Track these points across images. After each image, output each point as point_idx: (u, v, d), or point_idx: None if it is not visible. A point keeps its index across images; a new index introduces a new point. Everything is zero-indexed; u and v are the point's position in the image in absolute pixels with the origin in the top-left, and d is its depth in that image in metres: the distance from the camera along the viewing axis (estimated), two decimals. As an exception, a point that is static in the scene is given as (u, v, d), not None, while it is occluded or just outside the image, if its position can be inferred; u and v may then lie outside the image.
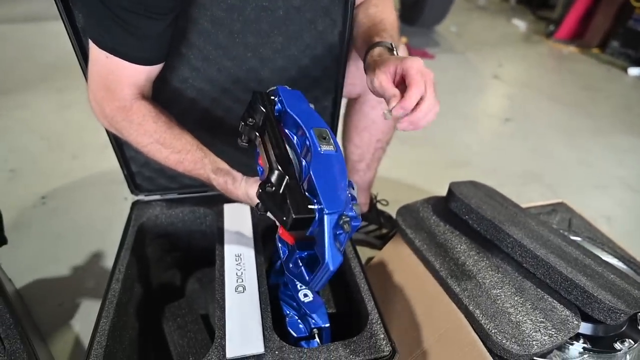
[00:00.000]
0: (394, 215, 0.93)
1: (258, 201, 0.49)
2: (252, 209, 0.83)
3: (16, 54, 2.25)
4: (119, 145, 0.78)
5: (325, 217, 0.42)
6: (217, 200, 0.85)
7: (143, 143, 0.61)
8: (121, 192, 1.21)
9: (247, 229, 0.78)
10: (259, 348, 0.56)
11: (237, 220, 0.81)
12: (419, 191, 1.37)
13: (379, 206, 1.14)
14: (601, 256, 0.75)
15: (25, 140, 1.49)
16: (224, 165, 0.62)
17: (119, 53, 0.54)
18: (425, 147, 1.61)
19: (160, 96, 0.66)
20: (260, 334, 0.58)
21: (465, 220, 0.76)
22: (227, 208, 0.82)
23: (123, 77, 0.57)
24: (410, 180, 1.41)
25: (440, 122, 1.88)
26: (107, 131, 0.74)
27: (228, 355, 0.55)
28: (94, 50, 0.55)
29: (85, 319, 0.90)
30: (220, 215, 0.81)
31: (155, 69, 0.60)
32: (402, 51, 0.74)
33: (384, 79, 0.51)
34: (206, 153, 0.62)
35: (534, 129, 1.88)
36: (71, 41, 0.62)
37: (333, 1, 0.67)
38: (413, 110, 0.48)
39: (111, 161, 0.80)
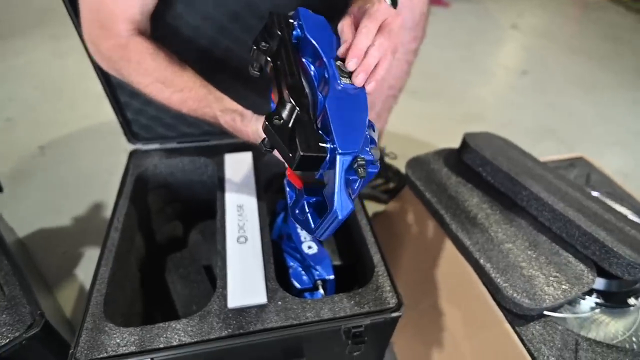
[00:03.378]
0: (402, 169, 0.89)
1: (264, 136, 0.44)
2: (254, 158, 0.79)
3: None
4: (113, 92, 0.74)
5: (338, 157, 0.38)
6: (218, 149, 0.81)
7: (144, 83, 0.56)
8: (121, 142, 1.17)
9: (250, 179, 0.75)
10: (261, 298, 0.55)
11: (239, 170, 0.77)
12: (429, 145, 1.32)
13: (387, 159, 1.10)
14: (620, 211, 0.71)
15: (21, 89, 1.44)
16: (230, 102, 0.57)
17: None
18: (437, 100, 1.54)
19: (153, 36, 0.60)
20: (263, 284, 0.57)
21: (479, 173, 0.72)
22: (228, 158, 0.79)
23: (116, 10, 0.52)
24: (421, 134, 1.35)
25: (453, 74, 1.79)
26: (100, 77, 0.70)
27: (229, 304, 0.54)
28: None
29: (89, 267, 0.90)
30: (221, 165, 0.77)
31: (149, 1, 0.55)
32: None
33: (346, 23, 0.45)
34: (210, 90, 0.57)
35: (552, 82, 1.78)
36: (70, 15, 0.56)
37: None
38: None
39: (108, 111, 0.76)
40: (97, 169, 1.13)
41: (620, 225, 0.61)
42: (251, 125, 0.52)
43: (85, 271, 0.89)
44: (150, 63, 0.55)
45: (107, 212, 1.01)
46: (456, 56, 1.94)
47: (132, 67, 0.55)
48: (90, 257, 0.92)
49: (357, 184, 0.39)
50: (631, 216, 0.71)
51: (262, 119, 0.51)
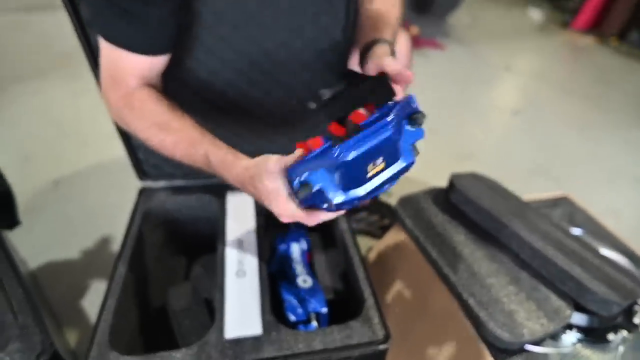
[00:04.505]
0: (396, 205, 0.94)
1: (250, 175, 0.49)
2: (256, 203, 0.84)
3: (32, 42, 2.29)
4: (125, 134, 0.80)
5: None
6: (222, 187, 0.87)
7: (141, 127, 0.58)
8: (130, 178, 1.24)
9: (250, 216, 0.80)
10: (256, 329, 0.59)
11: (240, 207, 0.83)
12: (422, 183, 1.37)
13: (382, 197, 1.15)
14: (601, 250, 0.75)
15: (40, 127, 1.53)
16: (224, 144, 0.57)
17: (120, 42, 0.54)
18: (431, 139, 1.59)
19: (173, 78, 0.66)
20: (259, 316, 0.61)
21: (464, 212, 0.77)
22: (231, 195, 0.84)
23: (126, 67, 0.57)
24: (414, 172, 1.39)
25: (447, 114, 1.88)
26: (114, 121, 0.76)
27: (226, 335, 0.57)
28: (100, 41, 0.56)
29: (93, 299, 0.94)
30: (223, 202, 0.83)
31: (158, 61, 0.59)
32: (400, 43, 0.74)
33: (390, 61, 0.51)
34: (205, 134, 0.57)
35: (544, 122, 1.86)
36: (76, 33, 0.63)
37: None
38: None
39: (120, 149, 0.82)
40: (106, 203, 1.19)
41: (597, 263, 0.65)
42: (242, 162, 0.52)
43: (89, 302, 0.93)
44: (151, 107, 0.58)
45: (114, 246, 1.06)
46: (451, 96, 2.04)
47: (134, 113, 0.58)
48: (95, 289, 0.96)
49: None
50: (611, 254, 0.75)
51: (253, 160, 0.51)
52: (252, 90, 0.76)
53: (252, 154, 0.54)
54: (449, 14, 3.25)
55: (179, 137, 0.56)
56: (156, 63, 0.59)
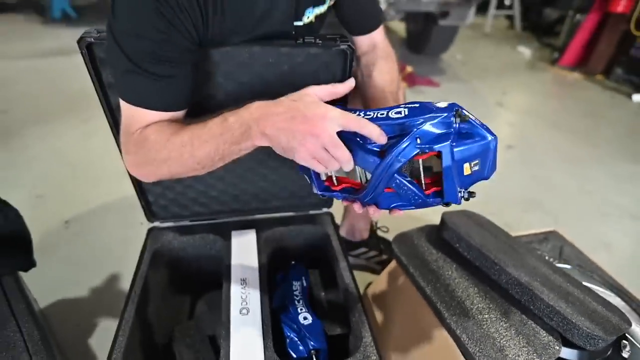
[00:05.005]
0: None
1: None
2: (257, 234, 0.89)
3: (45, 85, 2.42)
4: (136, 179, 0.86)
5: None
6: (226, 226, 0.92)
7: (159, 148, 0.58)
8: (137, 217, 1.29)
9: (253, 254, 0.85)
10: (259, 366, 0.61)
11: (244, 246, 0.87)
12: (418, 219, 1.41)
13: (380, 233, 1.19)
14: (589, 284, 0.78)
15: (52, 168, 1.60)
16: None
17: (144, 104, 0.59)
18: (427, 174, 1.67)
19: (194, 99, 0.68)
20: (262, 354, 0.64)
21: (456, 249, 0.81)
22: (235, 234, 0.89)
23: (142, 121, 0.61)
24: (412, 206, 1.46)
25: (442, 150, 1.93)
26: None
27: (231, 372, 0.60)
28: (121, 103, 0.60)
29: (100, 338, 0.96)
30: (228, 241, 0.87)
31: (180, 113, 0.63)
32: None
33: None
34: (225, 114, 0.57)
35: (536, 156, 1.92)
36: (92, 79, 0.68)
37: (333, 57, 0.74)
38: None
39: (127, 188, 0.88)
40: (114, 242, 1.23)
41: (583, 298, 0.68)
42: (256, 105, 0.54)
43: (96, 341, 0.95)
44: (165, 129, 0.59)
45: (122, 284, 1.10)
46: (446, 132, 2.11)
47: (149, 141, 0.59)
48: (103, 328, 0.98)
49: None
50: (598, 289, 0.78)
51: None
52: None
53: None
54: (442, 52, 3.42)
55: (193, 128, 0.58)
56: (178, 115, 0.63)
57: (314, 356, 0.70)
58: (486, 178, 0.57)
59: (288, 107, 0.53)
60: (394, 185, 0.54)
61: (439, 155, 0.52)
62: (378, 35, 0.84)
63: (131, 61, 0.55)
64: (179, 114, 0.63)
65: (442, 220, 0.85)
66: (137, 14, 0.54)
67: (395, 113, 0.54)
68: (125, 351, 0.65)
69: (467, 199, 0.57)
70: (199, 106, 0.74)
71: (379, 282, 0.93)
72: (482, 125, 0.54)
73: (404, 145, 0.51)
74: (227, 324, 0.68)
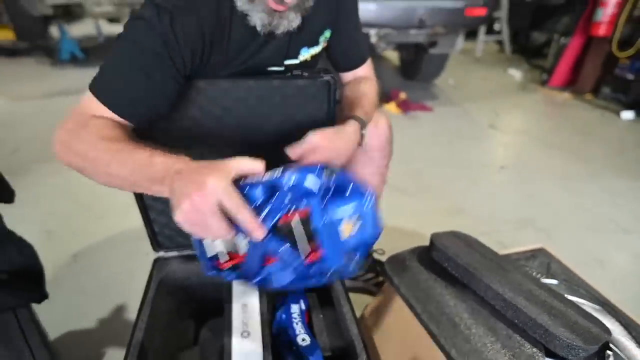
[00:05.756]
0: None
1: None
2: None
3: (54, 125, 2.51)
4: (145, 208, 0.92)
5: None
6: (227, 255, 0.96)
7: (85, 148, 0.60)
8: (142, 248, 1.34)
9: (253, 280, 0.89)
10: (260, 387, 0.65)
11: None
12: (414, 241, 1.45)
13: (376, 255, 1.24)
14: (574, 297, 0.82)
15: (60, 204, 1.67)
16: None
17: (103, 98, 0.63)
18: (421, 196, 1.72)
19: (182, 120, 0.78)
20: (261, 372, 0.67)
21: (445, 268, 0.85)
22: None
23: (95, 112, 0.64)
24: (407, 228, 1.51)
25: (437, 171, 2.01)
26: (137, 200, 0.88)
27: (233, 393, 0.64)
28: (87, 97, 0.63)
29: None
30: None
31: (127, 124, 0.65)
32: (373, 121, 0.89)
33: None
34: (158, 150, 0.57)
35: (528, 175, 1.98)
36: None
37: (318, 88, 0.82)
38: None
39: (132, 221, 0.94)
40: (120, 273, 1.28)
41: (565, 310, 0.72)
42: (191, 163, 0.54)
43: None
44: (106, 125, 0.62)
45: (128, 314, 1.13)
46: (441, 155, 2.19)
47: (85, 130, 0.61)
48: (110, 356, 1.02)
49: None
50: (583, 301, 0.82)
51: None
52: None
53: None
54: (434, 78, 3.55)
55: (124, 145, 0.58)
56: (130, 125, 0.66)
57: (312, 376, 0.73)
58: (371, 240, 0.57)
59: (194, 169, 0.52)
60: (272, 252, 0.53)
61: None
62: (360, 71, 0.93)
63: (118, 59, 0.64)
64: (131, 125, 0.66)
65: (431, 241, 0.89)
66: (146, 29, 0.62)
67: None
68: (133, 377, 0.69)
69: (367, 263, 0.57)
70: (189, 132, 0.81)
71: (375, 303, 0.96)
72: (355, 181, 0.55)
73: (271, 205, 0.50)
74: (229, 347, 0.72)
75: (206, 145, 0.84)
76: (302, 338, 0.79)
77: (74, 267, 1.32)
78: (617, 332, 0.77)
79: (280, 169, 0.54)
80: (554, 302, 0.74)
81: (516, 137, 2.48)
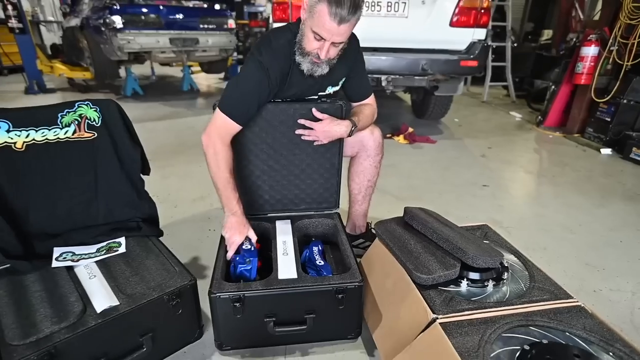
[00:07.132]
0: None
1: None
2: (292, 225, 1.46)
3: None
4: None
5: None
6: (273, 219, 1.49)
7: (214, 163, 1.27)
8: (207, 226, 1.88)
9: (289, 235, 1.40)
10: (294, 275, 1.15)
11: (283, 229, 1.43)
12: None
13: (374, 231, 1.72)
14: (498, 248, 1.29)
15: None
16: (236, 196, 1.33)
17: (236, 119, 1.25)
18: (414, 203, 2.19)
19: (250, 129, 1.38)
20: (295, 270, 1.18)
21: (412, 225, 1.34)
22: (278, 223, 1.46)
23: (230, 129, 1.26)
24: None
25: (431, 187, 2.54)
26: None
27: (279, 277, 1.14)
28: (218, 113, 1.25)
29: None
30: (274, 225, 1.45)
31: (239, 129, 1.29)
32: (370, 129, 1.45)
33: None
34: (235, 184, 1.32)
35: (505, 192, 2.43)
36: None
37: (336, 110, 1.38)
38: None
39: (199, 208, 1.47)
40: (192, 241, 1.81)
41: (479, 243, 1.19)
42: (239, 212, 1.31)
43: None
44: (226, 157, 1.28)
45: (202, 261, 1.65)
46: (437, 176, 2.68)
47: (218, 154, 1.26)
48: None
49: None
50: (496, 248, 1.28)
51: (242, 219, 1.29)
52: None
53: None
54: (441, 117, 4.10)
55: (228, 181, 1.29)
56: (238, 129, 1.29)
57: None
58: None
59: (238, 221, 1.33)
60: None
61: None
62: (365, 101, 1.49)
63: (236, 88, 1.26)
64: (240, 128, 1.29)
65: (405, 211, 1.39)
66: (253, 75, 1.24)
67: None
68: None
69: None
70: (261, 130, 1.38)
71: (368, 252, 1.45)
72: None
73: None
74: (275, 257, 1.23)
75: (269, 136, 1.40)
76: (319, 261, 1.29)
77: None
78: (515, 259, 1.23)
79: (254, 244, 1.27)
80: (475, 240, 1.22)
81: (502, 164, 2.95)
